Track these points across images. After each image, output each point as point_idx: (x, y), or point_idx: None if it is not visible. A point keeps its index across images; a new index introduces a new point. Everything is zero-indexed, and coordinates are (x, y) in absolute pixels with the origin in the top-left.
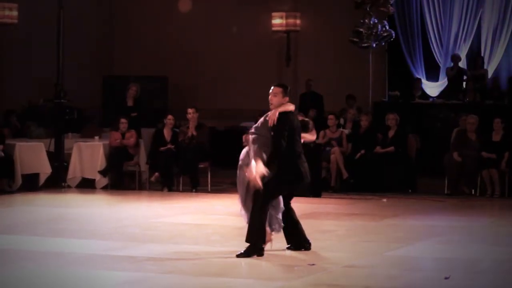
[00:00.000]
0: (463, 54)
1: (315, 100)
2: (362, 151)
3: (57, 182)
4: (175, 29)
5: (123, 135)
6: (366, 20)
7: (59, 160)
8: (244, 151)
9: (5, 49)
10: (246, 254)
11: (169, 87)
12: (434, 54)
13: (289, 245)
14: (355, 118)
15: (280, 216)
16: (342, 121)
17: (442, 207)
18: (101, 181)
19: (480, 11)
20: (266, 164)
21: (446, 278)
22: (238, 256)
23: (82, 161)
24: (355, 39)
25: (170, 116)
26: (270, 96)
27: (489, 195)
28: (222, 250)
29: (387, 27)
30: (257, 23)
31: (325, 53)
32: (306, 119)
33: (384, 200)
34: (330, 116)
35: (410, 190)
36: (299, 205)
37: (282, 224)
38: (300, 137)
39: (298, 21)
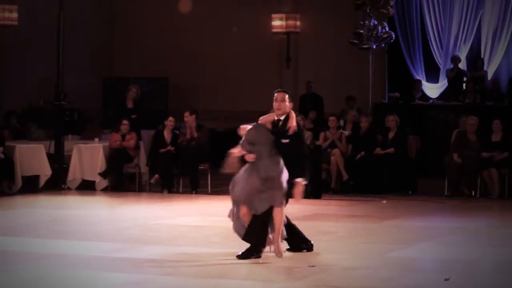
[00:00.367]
0: (463, 55)
1: (315, 101)
2: (362, 153)
3: (57, 184)
4: (175, 30)
5: (123, 136)
6: (366, 22)
7: (59, 162)
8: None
9: (5, 50)
10: (246, 255)
11: (169, 88)
12: (434, 55)
13: (289, 248)
14: (356, 119)
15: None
16: (342, 122)
17: (442, 209)
18: (101, 183)
19: (480, 13)
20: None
21: (446, 279)
22: (238, 257)
23: (82, 163)
24: (355, 41)
25: (171, 118)
26: (278, 103)
27: (492, 195)
28: (222, 252)
29: (387, 29)
30: (257, 24)
31: (325, 54)
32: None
33: (384, 201)
34: (331, 118)
35: (410, 192)
36: (299, 206)
37: (285, 233)
38: None
39: (298, 23)
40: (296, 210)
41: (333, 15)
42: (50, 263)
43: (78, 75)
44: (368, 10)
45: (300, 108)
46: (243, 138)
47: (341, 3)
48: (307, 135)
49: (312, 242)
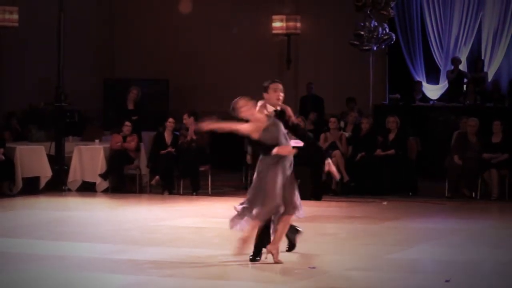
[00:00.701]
0: (463, 57)
1: (315, 103)
2: (362, 153)
3: (57, 185)
4: (176, 31)
5: (124, 138)
6: (367, 23)
7: (60, 164)
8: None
9: (6, 52)
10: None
11: (170, 89)
12: (435, 57)
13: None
14: (356, 121)
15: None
16: (342, 124)
17: (442, 210)
18: (102, 184)
19: (480, 14)
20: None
21: (446, 281)
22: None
23: (83, 164)
24: (355, 42)
25: (170, 119)
26: (279, 93)
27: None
28: (222, 253)
29: (388, 30)
30: (257, 26)
31: (325, 56)
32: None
33: (385, 203)
34: (332, 119)
35: (410, 193)
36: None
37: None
38: None
39: (298, 24)
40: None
41: (333, 17)
42: (50, 264)
43: (78, 76)
44: (368, 12)
45: (301, 109)
46: (262, 137)
47: (342, 4)
48: None
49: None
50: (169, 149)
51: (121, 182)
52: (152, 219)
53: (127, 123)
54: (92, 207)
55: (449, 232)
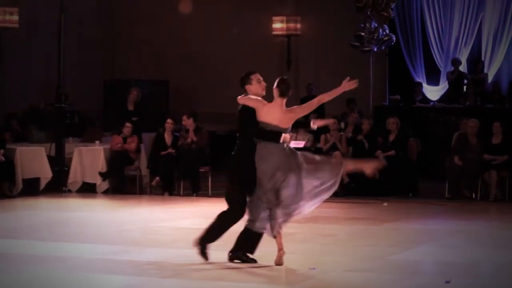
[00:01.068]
0: (463, 58)
1: None
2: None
3: (57, 186)
4: (176, 32)
5: (124, 139)
6: (367, 24)
7: (60, 165)
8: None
9: (6, 53)
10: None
11: (170, 90)
12: (435, 58)
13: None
14: (357, 122)
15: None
16: (342, 125)
17: (443, 211)
18: (102, 185)
19: (480, 15)
20: None
21: (447, 282)
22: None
23: (83, 166)
24: (356, 43)
25: (169, 120)
26: (263, 82)
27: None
28: (223, 255)
29: (388, 31)
30: (257, 27)
31: (326, 57)
32: None
33: (385, 204)
34: (333, 120)
35: (411, 194)
36: None
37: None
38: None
39: (298, 25)
40: None
41: (333, 18)
42: (51, 265)
43: (78, 77)
44: (369, 13)
45: None
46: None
47: (342, 5)
48: (308, 137)
49: (251, 257)
50: (169, 150)
51: (122, 183)
52: (152, 220)
53: (128, 124)
54: (92, 208)
55: (449, 233)
